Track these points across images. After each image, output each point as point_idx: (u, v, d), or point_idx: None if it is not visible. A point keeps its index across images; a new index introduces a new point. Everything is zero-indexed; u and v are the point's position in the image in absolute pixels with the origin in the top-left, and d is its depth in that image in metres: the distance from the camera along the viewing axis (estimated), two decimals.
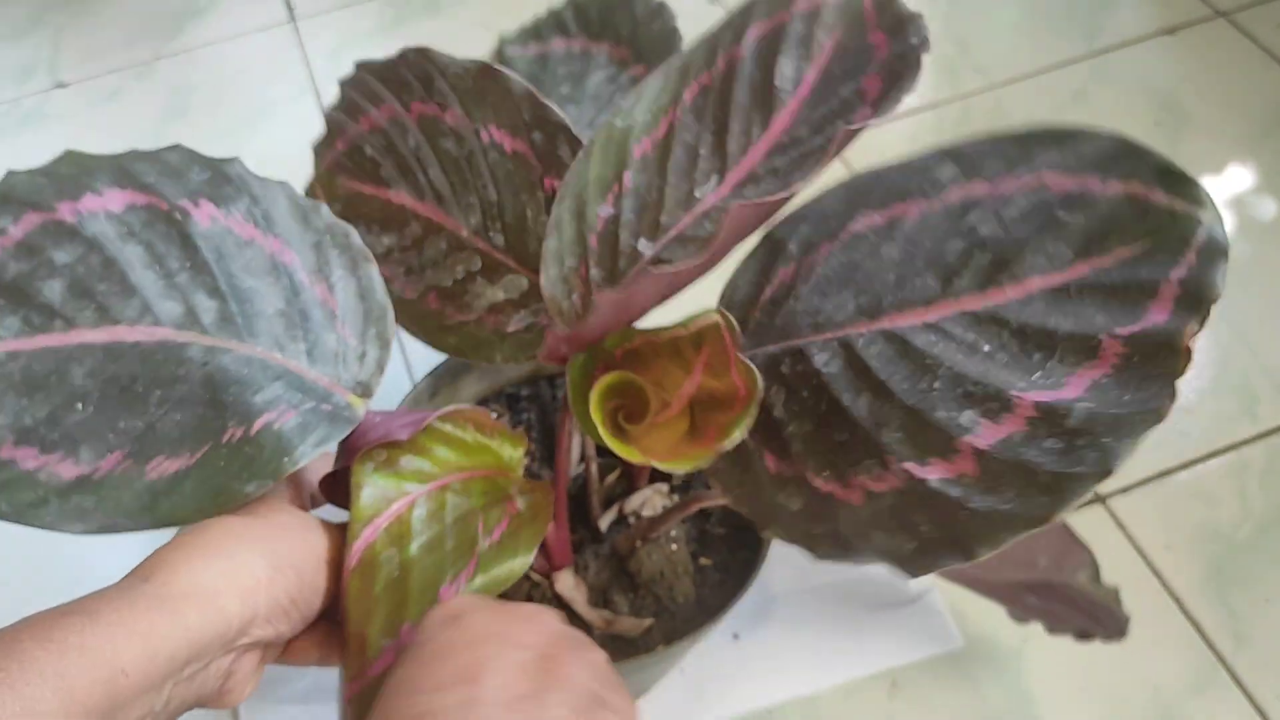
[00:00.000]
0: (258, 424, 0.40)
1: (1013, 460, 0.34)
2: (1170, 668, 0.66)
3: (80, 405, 0.38)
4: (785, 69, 0.39)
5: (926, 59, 0.37)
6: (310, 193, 0.52)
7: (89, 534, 0.37)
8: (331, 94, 1.00)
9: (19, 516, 0.36)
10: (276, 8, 1.10)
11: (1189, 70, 1.00)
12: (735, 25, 0.41)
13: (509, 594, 0.56)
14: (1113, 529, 0.71)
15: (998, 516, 0.34)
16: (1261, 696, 0.65)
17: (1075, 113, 0.97)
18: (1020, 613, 0.56)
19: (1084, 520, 0.72)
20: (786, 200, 0.33)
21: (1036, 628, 0.57)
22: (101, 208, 0.42)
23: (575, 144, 0.46)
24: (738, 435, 0.38)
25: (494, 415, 0.64)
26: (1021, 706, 0.64)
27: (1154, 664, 0.66)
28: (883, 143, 0.95)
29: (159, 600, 0.34)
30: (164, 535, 0.38)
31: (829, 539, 0.39)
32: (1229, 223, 0.87)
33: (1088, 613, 0.54)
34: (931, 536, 0.35)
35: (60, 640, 0.31)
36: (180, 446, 0.39)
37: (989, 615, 0.63)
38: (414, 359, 0.82)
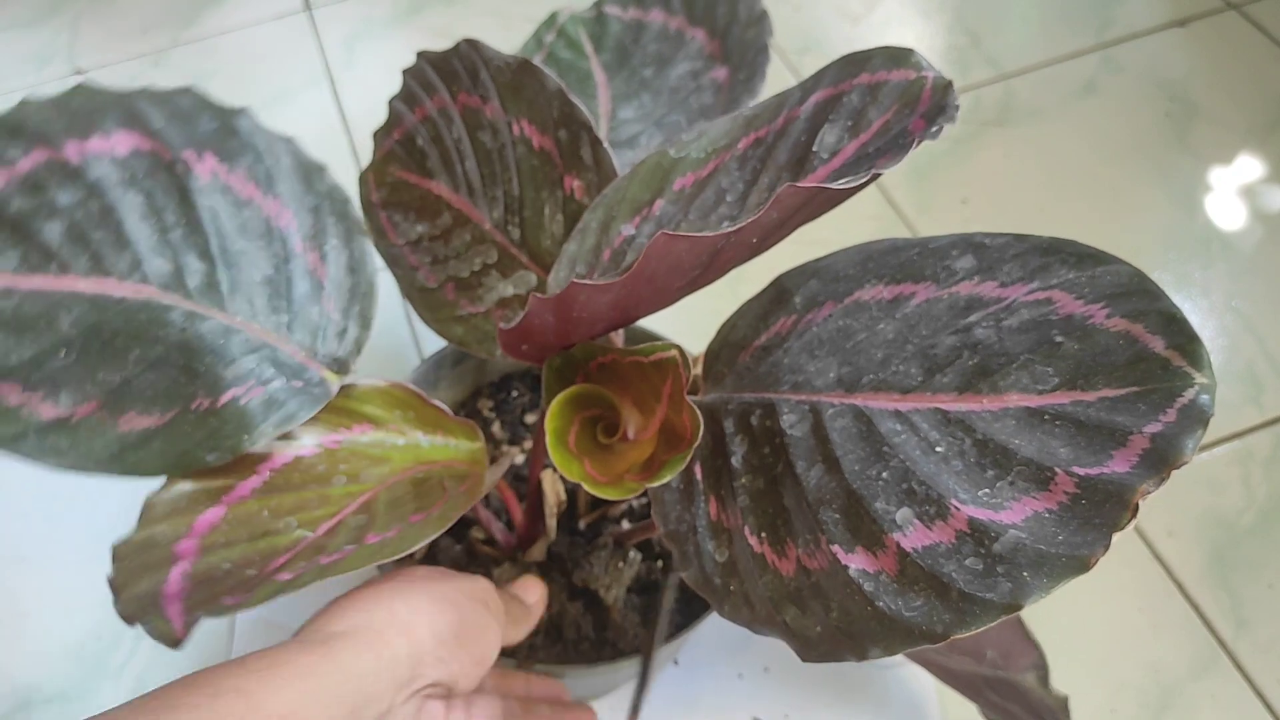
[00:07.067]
0: (224, 397, 0.40)
1: (930, 570, 0.33)
2: (1171, 652, 0.67)
3: (64, 352, 0.39)
4: (828, 137, 0.38)
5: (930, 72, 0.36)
6: (363, 178, 0.54)
7: (62, 470, 0.38)
8: (346, 82, 1.01)
9: (1, 444, 0.38)
10: None
11: (1199, 62, 1.00)
12: (806, 86, 0.40)
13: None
14: None
15: (899, 623, 0.33)
16: (1262, 681, 0.65)
17: (1085, 104, 0.97)
18: (988, 710, 0.54)
19: None
20: (716, 240, 0.32)
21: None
22: (108, 150, 0.42)
23: (596, 144, 0.46)
24: (667, 476, 0.38)
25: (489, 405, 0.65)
26: None
27: (1155, 648, 0.67)
28: None
29: (312, 644, 0.33)
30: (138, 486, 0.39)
31: (740, 599, 0.38)
32: (1239, 213, 0.88)
33: (1039, 718, 0.51)
34: (835, 626, 0.35)
35: (213, 685, 0.30)
36: (152, 405, 0.39)
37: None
38: (422, 337, 0.83)
